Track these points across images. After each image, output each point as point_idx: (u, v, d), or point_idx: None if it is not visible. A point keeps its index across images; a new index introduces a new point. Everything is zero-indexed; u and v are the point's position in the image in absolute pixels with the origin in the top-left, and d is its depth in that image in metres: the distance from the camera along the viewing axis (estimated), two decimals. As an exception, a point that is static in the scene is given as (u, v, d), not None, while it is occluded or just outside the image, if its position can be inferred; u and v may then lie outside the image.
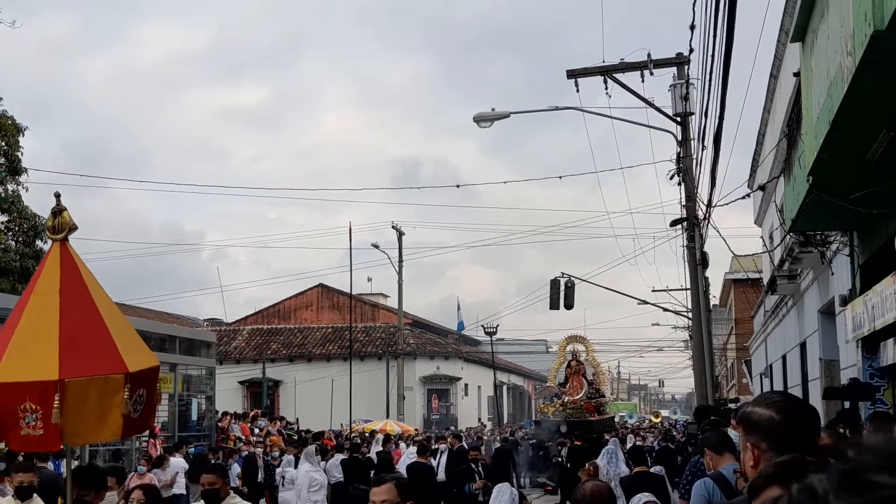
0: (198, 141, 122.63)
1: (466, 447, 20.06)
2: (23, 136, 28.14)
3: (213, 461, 18.37)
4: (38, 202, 29.46)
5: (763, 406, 2.99)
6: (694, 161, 19.41)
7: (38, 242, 30.86)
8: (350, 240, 27.05)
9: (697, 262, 19.34)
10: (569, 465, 25.26)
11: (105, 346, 5.90)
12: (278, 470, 19.75)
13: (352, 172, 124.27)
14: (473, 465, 16.44)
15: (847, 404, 12.72)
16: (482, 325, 44.44)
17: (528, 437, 36.41)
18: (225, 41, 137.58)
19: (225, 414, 26.46)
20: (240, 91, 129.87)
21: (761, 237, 26.96)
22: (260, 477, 19.80)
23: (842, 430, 10.63)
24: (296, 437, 25.84)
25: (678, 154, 19.60)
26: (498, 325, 43.46)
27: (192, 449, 19.80)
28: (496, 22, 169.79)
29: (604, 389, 39.94)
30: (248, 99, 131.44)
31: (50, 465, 13.97)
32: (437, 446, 22.86)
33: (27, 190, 28.48)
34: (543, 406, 38.55)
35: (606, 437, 25.10)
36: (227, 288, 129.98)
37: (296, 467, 18.86)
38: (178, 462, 17.62)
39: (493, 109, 20.44)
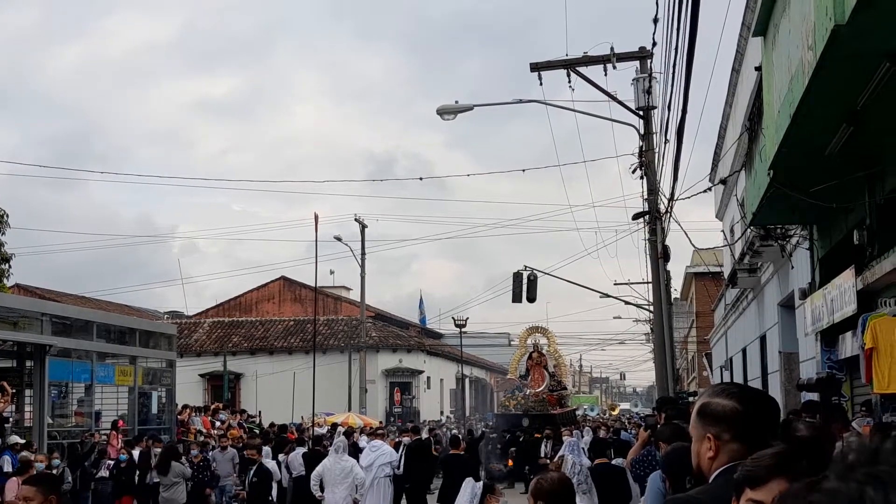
0: (169, 132, 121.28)
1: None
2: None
3: (183, 455, 18.06)
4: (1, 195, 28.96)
5: (723, 397, 2.97)
6: (656, 155, 19.50)
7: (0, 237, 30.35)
8: (316, 231, 26.71)
9: (659, 255, 19.43)
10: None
11: None
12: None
13: (322, 164, 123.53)
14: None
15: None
16: (452, 317, 44.37)
17: (490, 430, 36.46)
18: (196, 31, 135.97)
19: (185, 407, 26.25)
20: (211, 82, 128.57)
21: (722, 231, 27.19)
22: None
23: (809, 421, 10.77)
24: (257, 431, 25.71)
25: (640, 148, 19.66)
26: (468, 319, 43.48)
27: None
28: (471, 16, 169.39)
29: (566, 381, 40.09)
30: (220, 90, 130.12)
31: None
32: (399, 439, 22.82)
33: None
34: (505, 399, 38.61)
35: (564, 431, 25.20)
36: (192, 280, 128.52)
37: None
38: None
39: (456, 102, 20.39)
